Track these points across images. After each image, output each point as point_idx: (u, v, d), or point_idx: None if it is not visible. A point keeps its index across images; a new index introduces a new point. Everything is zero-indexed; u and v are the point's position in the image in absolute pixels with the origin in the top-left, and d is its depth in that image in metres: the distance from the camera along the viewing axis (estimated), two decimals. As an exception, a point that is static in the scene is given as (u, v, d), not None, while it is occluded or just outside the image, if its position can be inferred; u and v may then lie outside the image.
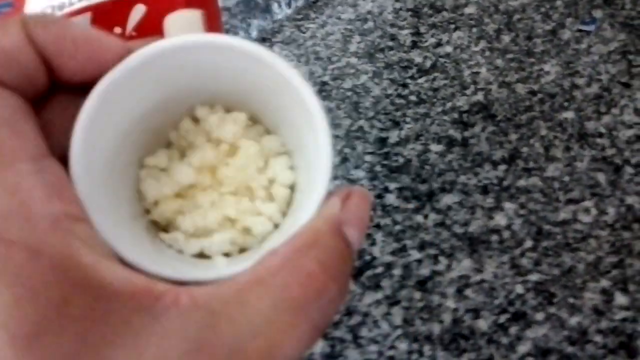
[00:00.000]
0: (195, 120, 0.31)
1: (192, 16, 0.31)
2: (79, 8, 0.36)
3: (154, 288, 0.23)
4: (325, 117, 0.29)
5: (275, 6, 0.87)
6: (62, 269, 0.22)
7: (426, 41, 0.87)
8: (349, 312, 0.61)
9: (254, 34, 0.86)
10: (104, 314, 0.22)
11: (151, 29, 0.38)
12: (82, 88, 0.27)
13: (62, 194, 0.24)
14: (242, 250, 0.31)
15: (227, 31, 0.83)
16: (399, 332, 0.60)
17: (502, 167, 0.72)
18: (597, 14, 0.91)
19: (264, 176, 0.31)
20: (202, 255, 0.30)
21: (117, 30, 0.37)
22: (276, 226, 0.31)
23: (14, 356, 0.21)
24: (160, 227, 0.31)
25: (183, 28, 0.30)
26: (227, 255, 0.30)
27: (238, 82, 0.30)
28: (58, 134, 0.26)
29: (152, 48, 0.27)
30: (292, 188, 0.31)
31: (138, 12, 0.37)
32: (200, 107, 0.31)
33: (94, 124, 0.26)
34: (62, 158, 0.26)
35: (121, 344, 0.22)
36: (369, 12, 0.91)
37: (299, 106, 0.29)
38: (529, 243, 0.66)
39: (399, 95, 0.80)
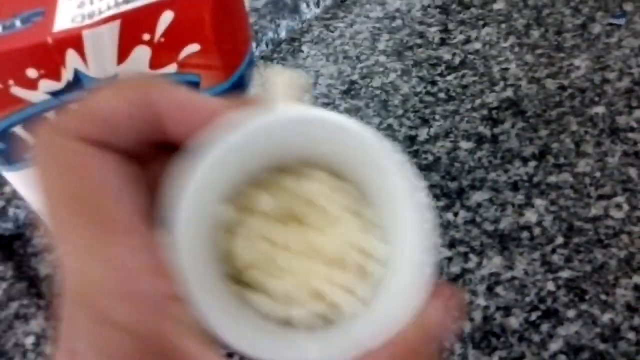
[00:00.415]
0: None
1: (296, 78, 0.31)
2: (108, 16, 0.36)
3: None
4: (423, 195, 0.28)
5: (303, 6, 0.87)
6: (163, 355, 0.22)
7: (455, 38, 0.87)
8: None
9: (283, 34, 0.87)
10: None
11: (180, 35, 0.38)
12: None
13: (163, 272, 0.23)
14: (325, 319, 0.29)
15: (255, 32, 0.83)
16: (430, 329, 0.60)
17: (532, 163, 0.72)
18: (628, 7, 0.90)
19: (359, 250, 0.30)
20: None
21: (146, 36, 0.38)
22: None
23: None
24: (245, 285, 0.30)
25: (285, 88, 0.30)
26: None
27: (334, 152, 0.29)
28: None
29: (257, 123, 0.27)
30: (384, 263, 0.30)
31: (166, 18, 0.37)
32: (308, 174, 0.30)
33: (197, 194, 0.26)
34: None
35: None
36: (397, 10, 0.91)
37: (393, 180, 0.28)
38: (560, 239, 0.65)
39: (428, 93, 0.80)
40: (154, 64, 0.39)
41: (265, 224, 0.29)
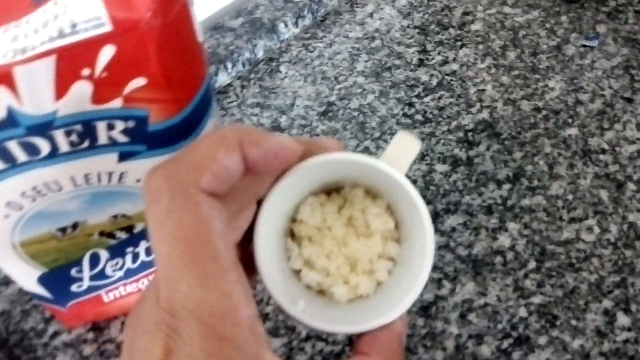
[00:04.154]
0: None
1: (414, 144, 0.38)
2: (42, 52, 0.31)
3: None
4: (431, 223, 0.35)
5: (281, 26, 0.82)
6: None
7: (433, 59, 0.82)
8: (352, 342, 0.56)
9: (261, 54, 0.82)
10: None
11: (123, 69, 0.34)
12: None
13: (251, 298, 0.28)
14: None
15: (232, 53, 0.78)
16: None
17: (507, 186, 0.67)
18: (601, 29, 0.85)
19: (381, 256, 0.38)
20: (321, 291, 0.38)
21: (86, 72, 0.33)
22: (379, 284, 0.38)
23: None
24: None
25: (406, 150, 0.37)
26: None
27: (370, 179, 0.38)
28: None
29: (322, 157, 0.34)
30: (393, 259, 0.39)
31: (107, 53, 0.33)
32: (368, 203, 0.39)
33: (270, 212, 0.34)
34: None
35: None
36: (377, 31, 0.86)
37: (409, 207, 0.36)
38: (532, 264, 0.61)
39: (405, 115, 0.75)
40: (97, 99, 0.35)
41: (327, 215, 0.38)
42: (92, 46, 0.32)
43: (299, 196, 0.38)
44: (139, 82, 0.35)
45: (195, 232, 0.27)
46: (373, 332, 0.34)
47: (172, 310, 0.27)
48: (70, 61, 0.32)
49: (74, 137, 0.36)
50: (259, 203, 0.34)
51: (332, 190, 0.39)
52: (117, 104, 0.35)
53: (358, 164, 0.35)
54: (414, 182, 0.68)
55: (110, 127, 0.37)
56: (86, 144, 0.37)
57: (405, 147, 0.37)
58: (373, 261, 0.38)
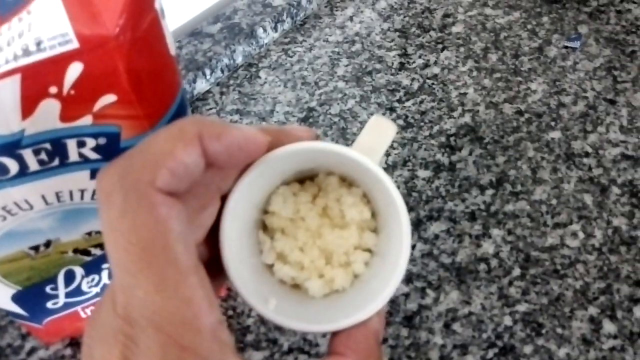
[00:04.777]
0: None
1: (388, 127, 0.36)
2: (6, 71, 0.30)
3: None
4: (405, 209, 0.33)
5: (260, 31, 0.81)
6: None
7: (414, 62, 0.81)
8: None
9: (239, 59, 0.81)
10: None
11: (92, 86, 0.33)
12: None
13: (213, 303, 0.27)
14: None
15: (210, 59, 0.77)
16: (386, 368, 0.55)
17: (490, 191, 0.66)
18: (583, 29, 0.85)
19: (356, 247, 0.37)
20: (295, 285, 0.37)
21: (53, 89, 0.32)
22: (356, 276, 0.36)
23: None
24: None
25: (381, 134, 0.36)
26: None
27: (345, 167, 0.35)
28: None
29: (290, 147, 0.32)
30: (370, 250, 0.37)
31: (74, 70, 0.32)
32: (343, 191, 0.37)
33: (238, 203, 0.32)
34: None
35: None
36: (357, 34, 0.85)
37: (384, 196, 0.34)
38: (516, 271, 0.60)
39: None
40: (65, 116, 0.34)
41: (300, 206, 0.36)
42: (59, 63, 0.31)
43: (270, 186, 0.36)
44: (109, 98, 0.34)
45: (151, 234, 0.25)
46: (349, 330, 0.33)
47: (129, 318, 0.25)
48: (36, 79, 0.31)
49: (43, 156, 0.35)
50: (223, 198, 0.32)
51: (305, 179, 0.37)
52: (86, 121, 0.34)
53: (329, 152, 0.33)
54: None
55: (81, 144, 0.36)
56: (56, 162, 0.36)
57: (379, 132, 0.36)
58: (349, 253, 0.36)
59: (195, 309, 0.26)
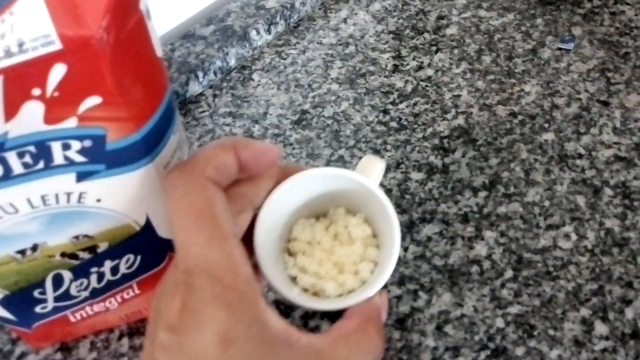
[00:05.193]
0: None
1: (381, 165, 0.49)
2: (-13, 73, 0.30)
3: (289, 330, 0.36)
4: (399, 226, 0.44)
5: (253, 33, 0.81)
6: (254, 310, 0.35)
7: (407, 64, 0.81)
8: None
9: (232, 62, 0.80)
10: (268, 340, 0.35)
11: (77, 88, 0.33)
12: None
13: (246, 260, 0.36)
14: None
15: (202, 62, 0.77)
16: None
17: (483, 193, 0.66)
18: (577, 31, 0.85)
19: (363, 259, 0.46)
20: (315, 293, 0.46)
21: (37, 91, 0.32)
22: (363, 282, 0.45)
23: (217, 356, 0.33)
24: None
25: (373, 168, 0.48)
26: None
27: (351, 194, 0.46)
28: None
29: (305, 172, 0.44)
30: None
31: (58, 72, 0.32)
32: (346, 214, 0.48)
33: (268, 216, 0.43)
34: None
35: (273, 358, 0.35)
36: (351, 36, 0.85)
37: (384, 216, 0.45)
38: (509, 273, 0.60)
39: (380, 122, 0.74)
40: (49, 119, 0.33)
41: (316, 233, 0.47)
42: (42, 65, 0.31)
43: (291, 219, 0.47)
44: (94, 100, 0.34)
45: (203, 207, 0.35)
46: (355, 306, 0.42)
47: (187, 269, 0.34)
48: (19, 81, 0.31)
49: (27, 158, 0.35)
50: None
51: (319, 215, 0.48)
52: (71, 123, 0.34)
53: (334, 175, 0.45)
54: (389, 191, 0.67)
55: (66, 147, 0.35)
56: (41, 165, 0.36)
57: (371, 166, 0.48)
58: (357, 263, 0.46)
59: (234, 260, 0.35)
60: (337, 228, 0.47)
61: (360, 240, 0.46)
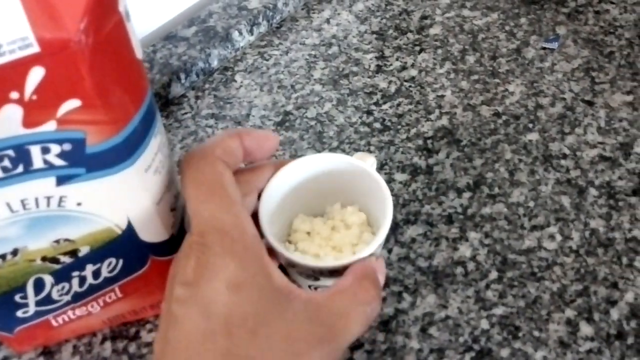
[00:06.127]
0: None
1: (372, 157, 0.56)
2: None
3: (290, 286, 0.40)
4: (391, 201, 0.49)
5: (236, 34, 0.81)
6: (259, 263, 0.39)
7: (391, 65, 0.81)
8: None
9: (215, 63, 0.80)
10: (272, 290, 0.39)
11: (55, 91, 0.33)
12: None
13: (252, 223, 0.41)
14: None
15: (185, 63, 0.77)
16: (362, 373, 0.55)
17: (467, 194, 0.67)
18: (561, 30, 0.85)
19: (360, 242, 0.51)
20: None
21: (15, 95, 0.32)
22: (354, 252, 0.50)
23: (226, 300, 0.37)
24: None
25: (366, 159, 0.54)
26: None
27: (349, 181, 0.52)
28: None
29: (302, 158, 0.51)
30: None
31: (36, 75, 0.32)
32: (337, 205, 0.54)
33: (271, 192, 0.49)
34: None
35: (277, 311, 0.38)
36: (334, 36, 0.85)
37: (377, 193, 0.50)
38: (494, 274, 0.60)
39: (363, 123, 0.74)
40: (28, 122, 0.33)
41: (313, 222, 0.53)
42: (19, 68, 0.31)
43: (292, 205, 0.52)
44: (73, 103, 0.34)
45: (213, 179, 0.41)
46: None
47: (201, 232, 0.39)
48: (-4, 84, 0.31)
49: (6, 162, 0.35)
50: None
51: (317, 215, 0.54)
52: (50, 126, 0.34)
53: (330, 159, 0.51)
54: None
55: (45, 151, 0.35)
56: (20, 169, 0.36)
57: (364, 158, 0.54)
58: (354, 245, 0.51)
59: (242, 220, 0.40)
60: (334, 222, 0.52)
61: (357, 226, 0.52)
